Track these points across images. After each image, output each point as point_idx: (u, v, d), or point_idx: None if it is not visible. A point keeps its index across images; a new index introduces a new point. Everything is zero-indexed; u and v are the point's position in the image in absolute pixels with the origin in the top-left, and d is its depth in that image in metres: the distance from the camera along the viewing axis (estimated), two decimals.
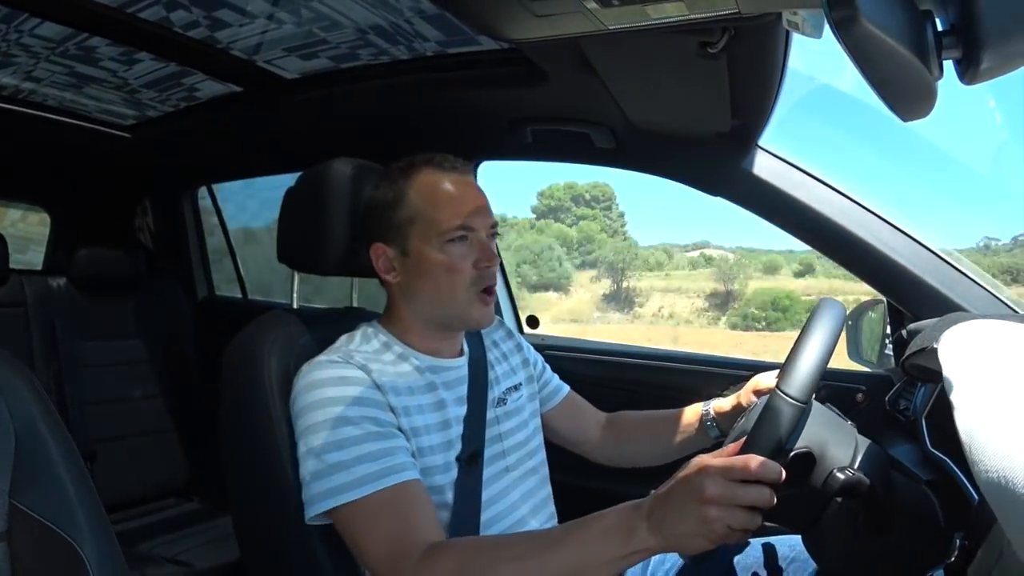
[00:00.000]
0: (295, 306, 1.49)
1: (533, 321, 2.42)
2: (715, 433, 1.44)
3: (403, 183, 1.27)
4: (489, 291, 1.28)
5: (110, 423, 2.54)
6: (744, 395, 1.38)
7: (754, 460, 0.85)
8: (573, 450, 1.60)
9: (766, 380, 1.34)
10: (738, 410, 1.38)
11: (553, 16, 1.07)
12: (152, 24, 1.49)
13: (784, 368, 0.96)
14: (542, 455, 1.46)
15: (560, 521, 1.41)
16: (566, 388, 1.62)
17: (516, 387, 1.45)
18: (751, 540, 1.42)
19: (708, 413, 1.44)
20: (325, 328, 1.36)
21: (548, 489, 1.44)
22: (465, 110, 1.76)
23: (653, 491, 0.91)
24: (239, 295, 3.17)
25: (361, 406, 1.13)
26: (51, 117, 2.20)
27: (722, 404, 1.43)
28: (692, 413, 1.48)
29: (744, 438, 0.94)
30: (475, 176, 1.34)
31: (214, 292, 3.14)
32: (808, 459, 1.00)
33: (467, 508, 1.21)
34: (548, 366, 1.62)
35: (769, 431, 0.91)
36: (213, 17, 1.46)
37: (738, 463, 0.85)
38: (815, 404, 1.05)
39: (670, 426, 1.50)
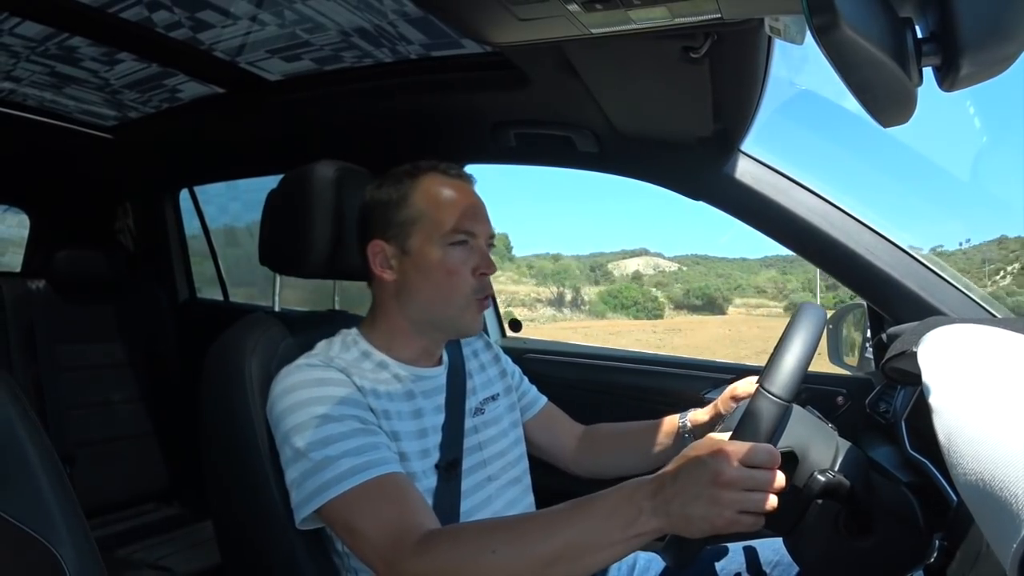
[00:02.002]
0: (277, 309, 1.48)
1: (516, 325, 2.42)
2: (692, 442, 1.43)
3: (408, 184, 1.29)
4: (486, 300, 1.30)
5: (90, 426, 2.52)
6: (722, 402, 1.38)
7: (766, 447, 0.86)
8: (550, 462, 1.60)
9: (744, 387, 1.34)
10: (715, 419, 1.39)
11: (536, 20, 1.07)
12: (134, 24, 1.48)
13: (767, 367, 0.97)
14: (525, 465, 1.46)
15: None
16: (544, 399, 1.62)
17: (494, 397, 1.46)
18: (730, 546, 1.43)
19: (685, 425, 1.44)
20: (307, 331, 1.35)
21: (531, 498, 1.44)
22: (448, 113, 1.76)
23: (663, 471, 0.92)
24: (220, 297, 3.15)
25: (344, 405, 1.13)
26: (31, 117, 2.18)
27: (698, 414, 1.43)
28: (669, 424, 1.48)
29: (728, 435, 0.95)
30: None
31: (195, 295, 3.12)
32: (791, 458, 1.01)
33: (446, 517, 1.20)
34: (525, 378, 1.63)
35: (753, 429, 0.91)
36: (196, 18, 1.45)
37: (759, 449, 0.86)
38: (796, 407, 1.05)
39: (647, 437, 1.50)
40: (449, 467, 1.25)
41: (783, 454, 1.00)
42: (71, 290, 2.59)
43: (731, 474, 0.84)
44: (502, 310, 2.41)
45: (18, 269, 3.05)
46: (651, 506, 0.88)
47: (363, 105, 1.82)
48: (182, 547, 2.27)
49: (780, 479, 0.87)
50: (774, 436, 0.94)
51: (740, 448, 0.86)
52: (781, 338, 1.01)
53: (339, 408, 1.12)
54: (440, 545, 0.99)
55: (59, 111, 2.18)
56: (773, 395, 0.93)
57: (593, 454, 1.57)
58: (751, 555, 1.40)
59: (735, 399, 1.34)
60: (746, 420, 0.92)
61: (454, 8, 1.11)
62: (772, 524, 1.05)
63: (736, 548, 1.41)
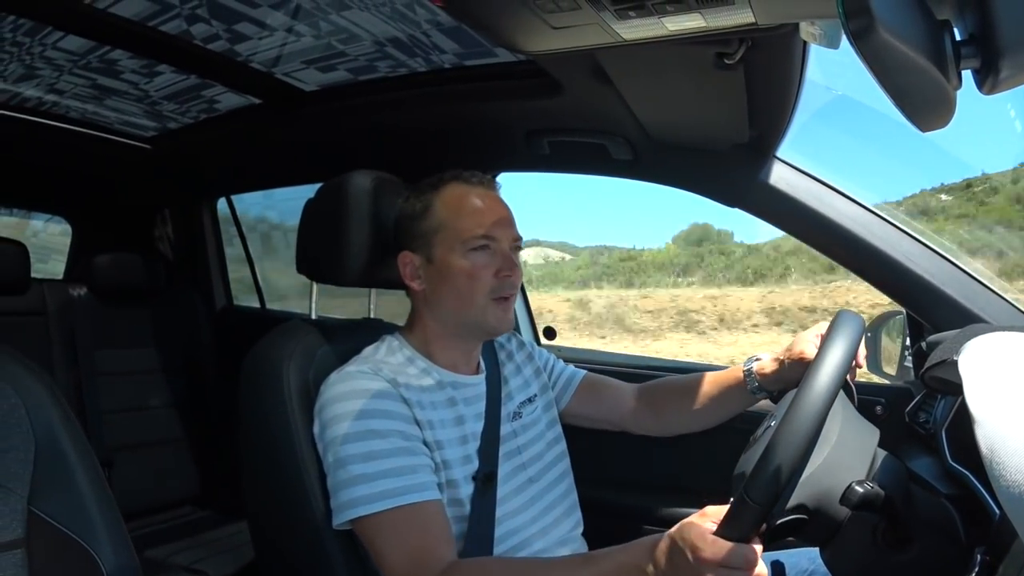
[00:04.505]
0: (314, 316, 1.50)
1: (550, 333, 2.41)
2: (758, 392, 1.42)
3: (431, 195, 1.32)
4: (508, 297, 1.31)
5: (128, 431, 2.55)
6: (784, 354, 1.35)
7: (742, 553, 0.85)
8: (609, 428, 1.60)
9: (802, 346, 1.31)
10: (779, 371, 1.36)
11: (569, 28, 1.07)
12: (173, 37, 1.51)
13: (754, 468, 0.88)
14: (566, 464, 1.48)
15: (585, 531, 1.45)
16: (581, 373, 1.62)
17: (531, 399, 1.47)
18: (765, 555, 1.41)
19: (751, 373, 1.41)
20: (343, 339, 1.36)
21: (574, 496, 1.46)
22: (482, 122, 1.77)
23: (660, 545, 0.93)
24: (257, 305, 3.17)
25: (389, 419, 1.16)
26: (73, 129, 2.23)
27: (764, 365, 1.40)
28: (731, 375, 1.46)
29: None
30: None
31: (232, 302, 3.15)
32: (798, 522, 0.99)
33: (483, 524, 1.24)
34: (559, 360, 1.63)
35: (734, 530, 0.88)
36: (233, 30, 1.48)
37: (735, 554, 0.85)
38: (835, 405, 1.01)
39: (710, 390, 1.49)
40: (486, 479, 1.27)
41: (790, 520, 0.98)
42: (111, 297, 2.63)
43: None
44: None
45: (60, 276, 3.11)
46: (655, 574, 0.92)
47: (398, 114, 1.83)
48: (218, 550, 2.29)
49: (760, 573, 0.87)
50: (763, 527, 0.91)
51: (716, 553, 0.85)
52: (789, 409, 0.91)
53: (384, 423, 1.16)
54: None
55: (100, 123, 2.23)
56: (754, 502, 0.88)
57: (655, 411, 1.57)
58: (787, 564, 1.38)
59: (790, 358, 1.32)
60: (728, 520, 0.89)
61: (487, 17, 1.11)
62: (808, 536, 1.04)
63: (767, 556, 1.40)
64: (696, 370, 1.70)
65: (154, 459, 2.61)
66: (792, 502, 0.97)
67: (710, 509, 0.92)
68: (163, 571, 2.14)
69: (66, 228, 3.17)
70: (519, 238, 1.35)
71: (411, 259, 1.33)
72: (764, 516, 0.87)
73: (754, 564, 0.86)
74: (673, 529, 0.91)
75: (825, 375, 0.91)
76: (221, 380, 2.78)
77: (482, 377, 1.39)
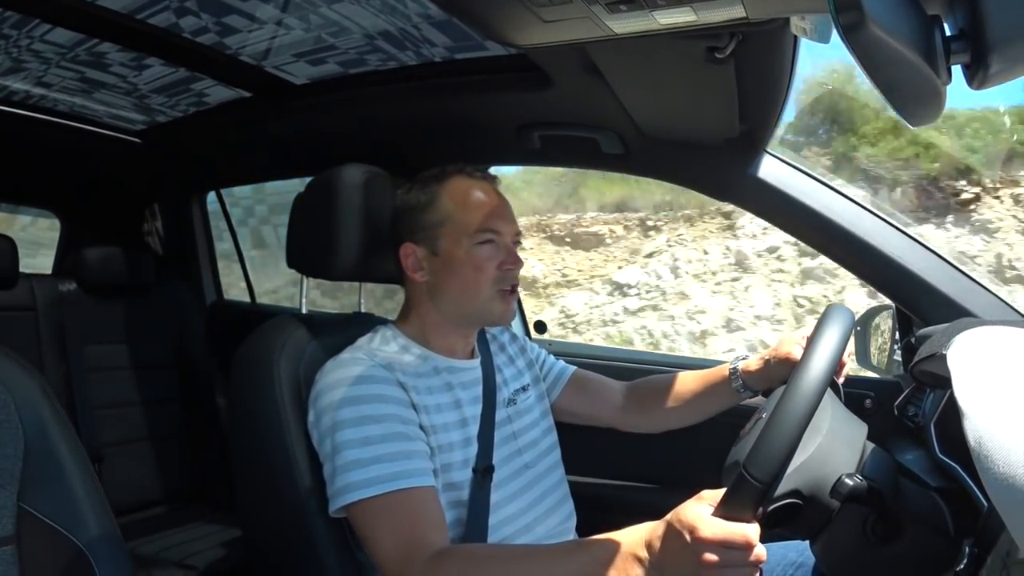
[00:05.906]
0: (304, 311, 1.49)
1: (540, 327, 2.41)
2: (743, 391, 1.45)
3: (435, 188, 1.33)
4: (511, 290, 1.34)
5: (118, 427, 2.54)
6: (770, 354, 1.39)
7: (741, 534, 0.85)
8: (600, 425, 1.62)
9: (788, 347, 1.34)
10: (764, 370, 1.39)
11: (560, 22, 1.07)
12: (161, 30, 1.50)
13: (754, 444, 0.89)
14: (558, 454, 1.49)
15: (577, 520, 1.47)
16: (571, 368, 1.64)
17: (524, 388, 1.48)
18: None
19: (736, 372, 1.44)
20: (333, 333, 1.36)
21: (566, 487, 1.48)
22: (473, 116, 1.76)
23: (656, 530, 0.92)
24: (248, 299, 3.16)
25: (385, 404, 1.17)
26: (62, 122, 2.21)
27: (749, 363, 1.43)
28: (717, 374, 1.49)
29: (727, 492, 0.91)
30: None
31: (223, 297, 3.14)
32: (793, 507, 0.99)
33: (479, 513, 1.24)
34: (550, 356, 1.65)
35: (734, 507, 0.88)
36: (222, 23, 1.47)
37: (735, 534, 0.85)
38: (824, 400, 1.02)
39: (696, 388, 1.52)
40: (485, 472, 1.28)
41: (786, 505, 0.98)
42: (101, 292, 2.61)
43: (709, 558, 0.85)
44: None
45: (49, 271, 3.09)
46: (648, 562, 0.91)
47: (388, 108, 1.82)
48: (208, 545, 2.28)
49: (759, 553, 0.86)
50: (760, 509, 0.91)
51: (716, 532, 0.85)
52: (784, 391, 0.92)
53: (380, 407, 1.16)
54: (450, 567, 1.03)
55: (89, 116, 2.22)
56: (754, 479, 0.88)
57: (641, 410, 1.59)
58: (776, 556, 1.39)
59: (777, 358, 1.36)
60: (728, 499, 0.89)
61: (478, 10, 1.11)
62: (798, 528, 1.04)
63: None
64: (686, 367, 1.72)
65: (144, 454, 2.60)
66: (786, 487, 0.98)
67: (706, 493, 0.92)
68: (153, 566, 2.13)
69: (54, 222, 3.14)
70: (520, 232, 1.37)
71: (414, 251, 1.34)
72: (764, 494, 0.87)
73: (754, 543, 0.85)
74: (669, 514, 0.91)
75: (820, 357, 0.92)
76: (211, 375, 2.77)
77: (477, 362, 1.41)
